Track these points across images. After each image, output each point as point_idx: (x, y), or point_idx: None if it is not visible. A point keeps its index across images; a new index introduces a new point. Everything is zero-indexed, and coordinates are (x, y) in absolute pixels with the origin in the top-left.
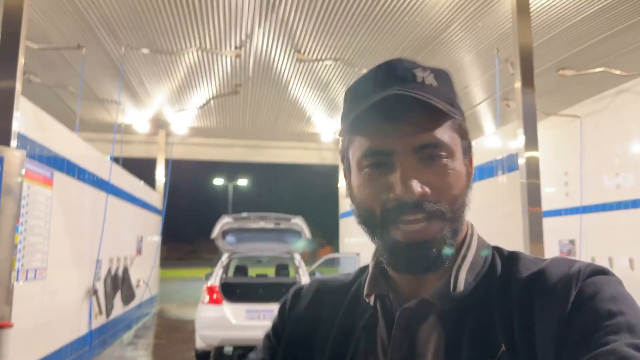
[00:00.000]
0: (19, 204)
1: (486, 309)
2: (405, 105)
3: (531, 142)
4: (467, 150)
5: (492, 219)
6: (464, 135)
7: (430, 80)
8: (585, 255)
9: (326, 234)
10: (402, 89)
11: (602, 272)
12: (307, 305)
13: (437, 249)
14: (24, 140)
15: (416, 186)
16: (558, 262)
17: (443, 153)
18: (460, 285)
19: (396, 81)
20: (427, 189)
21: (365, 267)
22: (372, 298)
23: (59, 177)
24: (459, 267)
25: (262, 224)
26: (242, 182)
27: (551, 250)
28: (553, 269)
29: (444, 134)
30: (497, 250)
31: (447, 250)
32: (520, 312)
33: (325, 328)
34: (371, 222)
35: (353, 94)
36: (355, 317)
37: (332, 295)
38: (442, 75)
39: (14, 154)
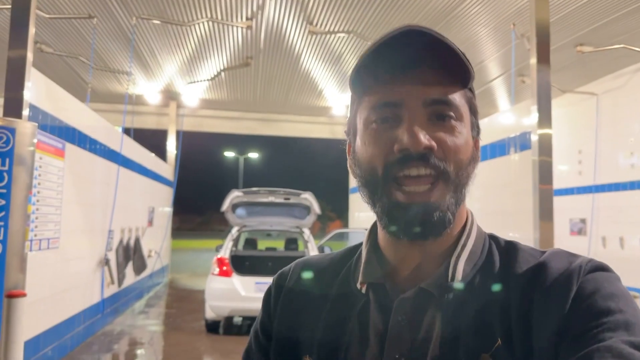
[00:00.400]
0: (31, 175)
1: (484, 301)
2: (422, 48)
3: (545, 119)
4: (475, 129)
5: (503, 196)
6: (474, 113)
7: (453, 46)
8: (595, 234)
9: (336, 208)
10: (422, 29)
11: (603, 268)
12: (292, 295)
13: (438, 214)
14: (35, 112)
15: (423, 136)
16: (558, 256)
17: (453, 114)
18: (459, 275)
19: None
20: (434, 143)
21: (355, 248)
22: (364, 286)
23: (71, 149)
24: (458, 255)
25: (271, 199)
26: (253, 155)
27: (561, 229)
28: (553, 263)
29: (456, 97)
30: (493, 239)
31: (449, 218)
32: (518, 307)
33: (312, 318)
34: (372, 182)
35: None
36: (347, 307)
37: (318, 281)
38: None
39: (25, 126)
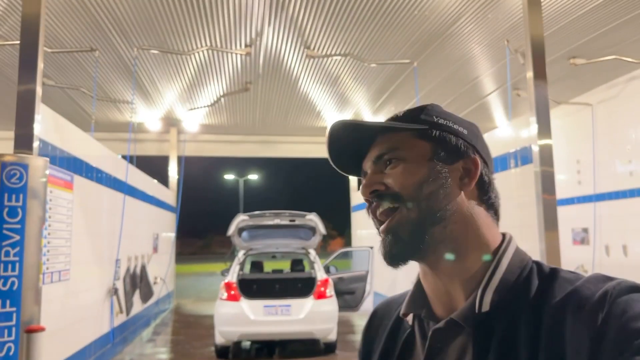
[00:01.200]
0: (44, 209)
1: (513, 330)
2: (349, 132)
3: (544, 130)
4: (454, 154)
5: (506, 210)
6: (441, 143)
7: (397, 114)
8: (599, 243)
9: (337, 225)
10: (342, 122)
11: (635, 289)
12: (370, 327)
13: (405, 233)
14: (44, 145)
15: (367, 186)
16: (593, 281)
17: (397, 157)
18: (486, 306)
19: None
20: (381, 186)
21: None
22: (410, 317)
23: (79, 181)
24: (486, 285)
25: (277, 221)
26: (253, 177)
27: (564, 239)
28: (586, 288)
29: (400, 143)
30: (537, 265)
31: (418, 237)
32: (549, 335)
33: (376, 349)
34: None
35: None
36: (397, 337)
37: (385, 315)
38: (417, 108)
39: (37, 161)
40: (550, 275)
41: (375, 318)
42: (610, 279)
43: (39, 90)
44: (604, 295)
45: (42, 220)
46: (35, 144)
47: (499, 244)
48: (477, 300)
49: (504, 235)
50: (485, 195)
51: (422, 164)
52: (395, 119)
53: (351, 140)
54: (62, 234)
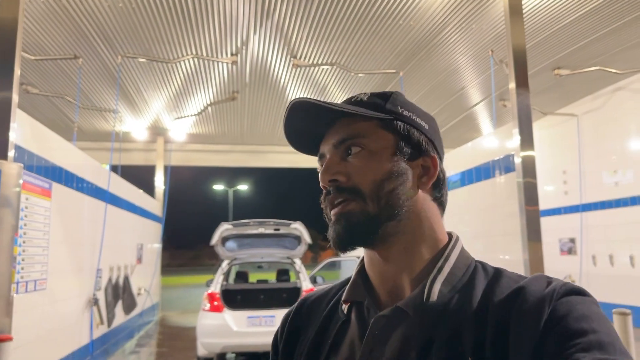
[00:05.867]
0: (17, 216)
1: (458, 322)
2: (316, 110)
3: (527, 141)
4: (416, 150)
5: (492, 219)
6: (404, 138)
7: (361, 97)
8: (585, 253)
9: (327, 237)
10: (301, 99)
11: (577, 292)
12: (294, 318)
13: (358, 220)
14: (21, 152)
15: (328, 173)
16: (536, 281)
17: (359, 146)
18: (434, 296)
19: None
20: (342, 177)
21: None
22: (346, 306)
23: (58, 188)
24: (434, 278)
25: (261, 230)
26: (242, 187)
27: (552, 250)
28: (530, 287)
29: (364, 130)
30: (481, 265)
31: (375, 226)
32: (494, 329)
33: (303, 340)
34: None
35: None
36: (330, 326)
37: (314, 306)
38: (381, 94)
39: (11, 167)
40: (495, 274)
41: (304, 307)
42: (551, 279)
43: (15, 97)
44: (551, 292)
45: (15, 228)
46: (11, 151)
47: (447, 241)
48: (425, 290)
49: (449, 234)
50: (439, 193)
51: (385, 158)
52: (359, 102)
53: (312, 119)
54: (38, 242)
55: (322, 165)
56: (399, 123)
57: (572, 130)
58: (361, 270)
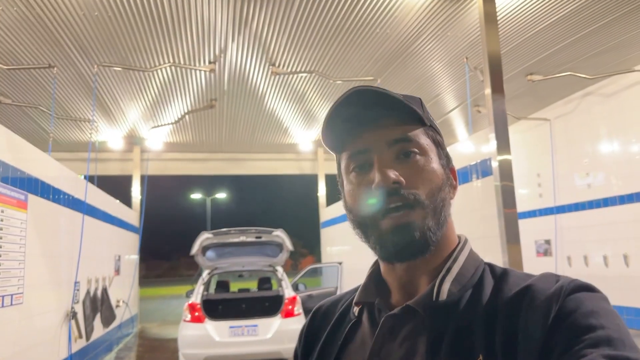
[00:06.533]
0: None
1: (467, 320)
2: (370, 101)
3: (503, 145)
4: (446, 161)
5: (470, 222)
6: (439, 146)
7: (399, 95)
8: (561, 254)
9: (307, 244)
10: (367, 88)
11: (586, 288)
12: (309, 329)
13: (420, 233)
14: None
15: (391, 173)
16: (544, 278)
17: (416, 150)
18: (443, 295)
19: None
20: (402, 178)
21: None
22: (357, 309)
23: (34, 200)
24: (444, 277)
25: (242, 238)
26: (221, 195)
27: (528, 252)
28: (539, 285)
29: (417, 135)
30: (489, 266)
31: (431, 238)
32: (503, 326)
33: (316, 345)
34: (362, 221)
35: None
36: (341, 327)
37: (327, 313)
38: (412, 97)
39: None
40: (503, 274)
41: (317, 315)
42: (559, 277)
43: None
44: (559, 289)
45: None
46: None
47: (457, 244)
48: (434, 288)
49: (459, 236)
50: (453, 199)
51: (437, 167)
52: (401, 103)
53: (360, 110)
54: (14, 256)
55: (364, 161)
56: (431, 132)
57: (545, 134)
58: (373, 273)
